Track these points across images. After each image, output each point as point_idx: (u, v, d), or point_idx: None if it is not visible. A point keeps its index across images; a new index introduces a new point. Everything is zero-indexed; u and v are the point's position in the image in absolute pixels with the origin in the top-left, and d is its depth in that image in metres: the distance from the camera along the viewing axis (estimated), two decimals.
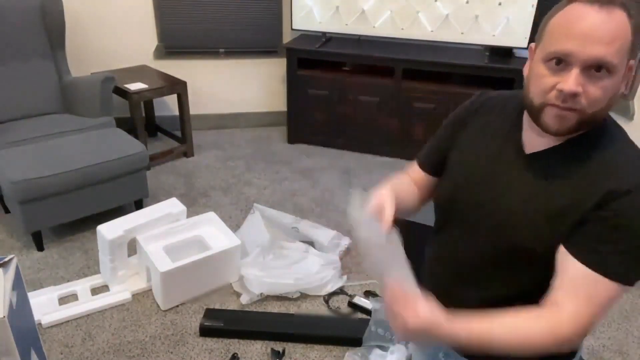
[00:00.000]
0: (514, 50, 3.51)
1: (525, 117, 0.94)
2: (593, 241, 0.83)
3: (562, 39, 0.80)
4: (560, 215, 0.86)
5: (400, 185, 1.08)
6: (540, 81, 0.84)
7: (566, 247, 0.86)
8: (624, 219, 0.81)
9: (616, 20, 0.78)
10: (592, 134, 0.88)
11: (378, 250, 0.86)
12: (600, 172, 0.85)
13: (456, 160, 1.05)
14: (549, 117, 0.84)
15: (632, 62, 0.83)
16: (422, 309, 0.81)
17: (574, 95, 0.80)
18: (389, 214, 0.89)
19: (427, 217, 1.19)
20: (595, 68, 0.79)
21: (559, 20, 0.82)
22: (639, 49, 0.83)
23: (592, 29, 0.78)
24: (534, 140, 0.92)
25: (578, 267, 0.84)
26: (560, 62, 0.81)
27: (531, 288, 0.93)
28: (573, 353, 1.06)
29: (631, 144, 0.89)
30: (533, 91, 0.86)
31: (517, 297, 0.95)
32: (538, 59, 0.85)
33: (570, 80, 0.79)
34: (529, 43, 0.99)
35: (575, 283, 0.85)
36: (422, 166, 1.14)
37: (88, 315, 2.18)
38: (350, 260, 2.58)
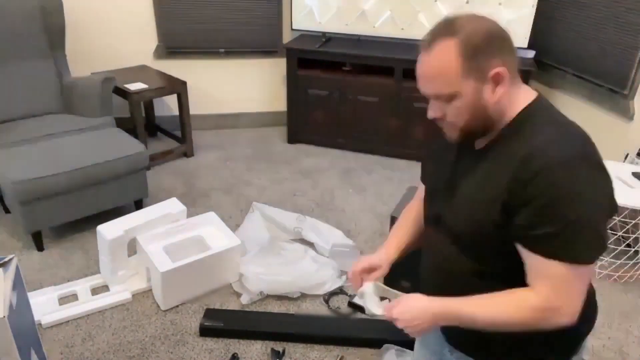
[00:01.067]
0: None
1: None
2: (531, 230, 0.89)
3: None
4: (490, 201, 0.94)
5: (405, 226, 1.26)
6: None
7: (516, 241, 0.93)
8: (543, 200, 0.87)
9: (436, 57, 0.91)
10: (518, 125, 0.95)
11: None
12: (518, 158, 0.90)
13: (429, 169, 1.19)
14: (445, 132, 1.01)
15: (495, 70, 0.91)
16: (410, 300, 1.02)
17: (438, 119, 0.98)
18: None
19: None
20: (438, 98, 0.95)
21: None
22: (486, 60, 0.90)
23: (419, 72, 0.95)
24: (479, 140, 1.02)
25: (532, 257, 0.91)
26: None
27: (498, 279, 0.99)
28: (572, 352, 1.06)
29: (552, 123, 0.94)
30: None
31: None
32: None
33: (429, 110, 0.99)
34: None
35: (535, 270, 0.92)
36: (422, 181, 1.25)
37: (88, 315, 2.18)
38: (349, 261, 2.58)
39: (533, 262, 0.91)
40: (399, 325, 1.02)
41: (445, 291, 1.02)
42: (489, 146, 0.99)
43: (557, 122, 0.94)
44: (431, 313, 0.99)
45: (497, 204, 0.92)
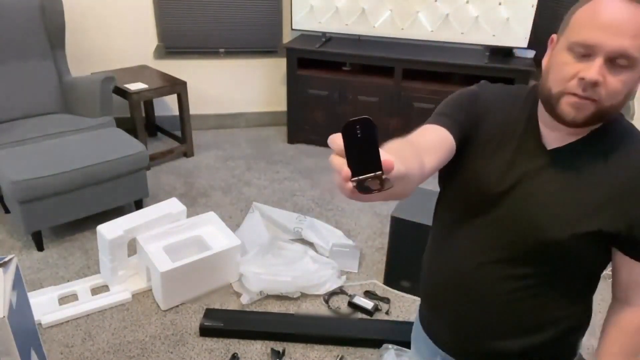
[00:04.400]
0: (514, 50, 3.50)
1: (540, 111, 0.94)
2: None
3: (589, 29, 0.81)
4: (595, 205, 0.88)
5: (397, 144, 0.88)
6: (562, 69, 0.84)
7: (626, 254, 0.92)
8: None
9: None
10: (610, 128, 0.90)
11: None
12: (631, 167, 0.87)
13: (477, 157, 0.98)
14: (566, 105, 0.84)
15: None
16: None
17: (595, 85, 0.80)
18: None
19: (425, 214, 1.19)
20: (617, 60, 0.79)
21: (586, 10, 0.83)
22: None
23: (618, 20, 0.78)
24: (550, 136, 0.92)
25: None
26: (585, 51, 0.81)
27: (555, 283, 0.95)
28: (574, 351, 1.06)
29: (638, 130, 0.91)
30: (552, 79, 0.86)
31: (540, 292, 0.96)
32: (561, 47, 0.85)
33: (593, 69, 0.79)
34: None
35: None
36: (449, 129, 0.98)
37: (88, 315, 2.18)
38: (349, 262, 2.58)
39: None
40: None
41: (471, 300, 0.99)
42: (576, 146, 0.90)
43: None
44: None
45: (608, 207, 0.87)
